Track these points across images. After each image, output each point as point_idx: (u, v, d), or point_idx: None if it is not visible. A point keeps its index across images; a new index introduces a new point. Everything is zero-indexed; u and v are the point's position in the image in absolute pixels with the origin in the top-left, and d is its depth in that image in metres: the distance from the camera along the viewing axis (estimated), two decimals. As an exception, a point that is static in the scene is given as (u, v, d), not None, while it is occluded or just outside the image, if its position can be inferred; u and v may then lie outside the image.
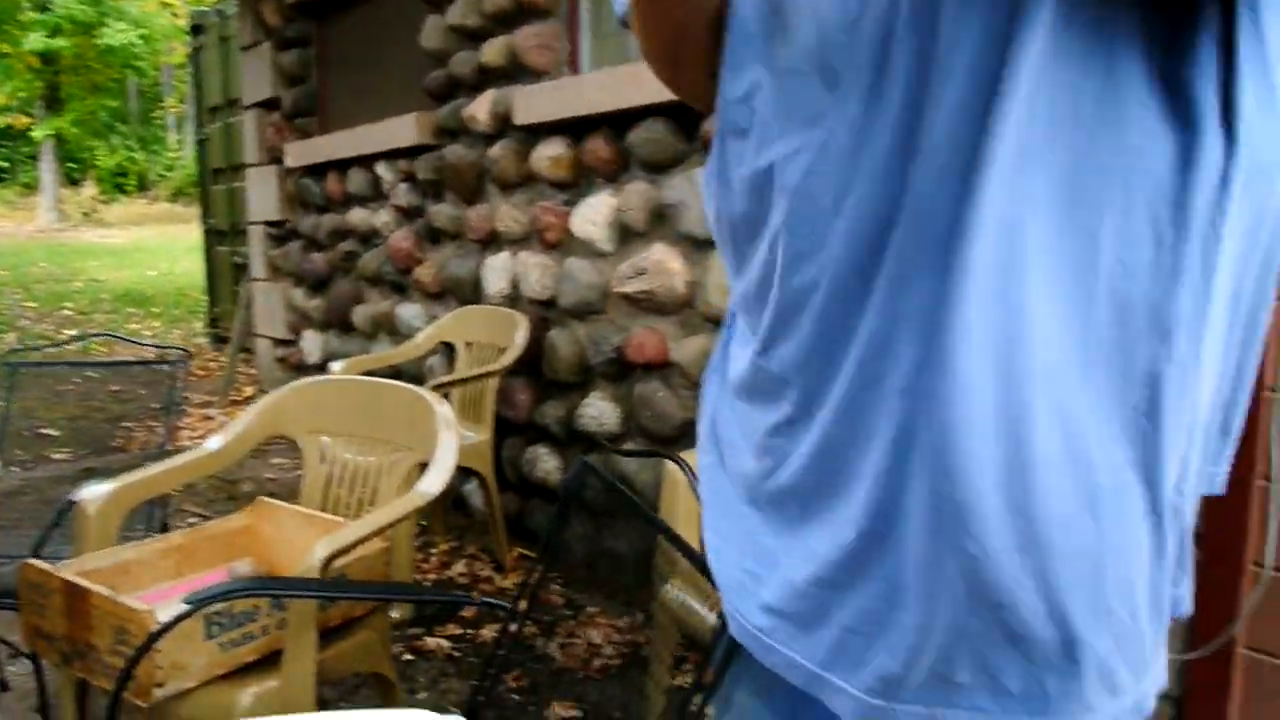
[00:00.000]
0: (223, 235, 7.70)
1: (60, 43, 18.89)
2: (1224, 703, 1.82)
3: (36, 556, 1.66)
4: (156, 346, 2.88)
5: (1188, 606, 0.79)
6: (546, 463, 3.35)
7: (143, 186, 25.08)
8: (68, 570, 1.59)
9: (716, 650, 1.08)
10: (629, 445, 3.01)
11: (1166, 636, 0.75)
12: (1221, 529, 1.81)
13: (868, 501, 0.70)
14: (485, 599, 1.29)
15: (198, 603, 1.35)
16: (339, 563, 1.64)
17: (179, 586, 1.81)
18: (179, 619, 1.38)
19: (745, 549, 0.83)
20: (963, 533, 0.66)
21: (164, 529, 2.26)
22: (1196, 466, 0.74)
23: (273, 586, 1.53)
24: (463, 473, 3.61)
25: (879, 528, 0.70)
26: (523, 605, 1.54)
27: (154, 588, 1.80)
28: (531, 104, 3.28)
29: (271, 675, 1.57)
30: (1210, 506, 1.82)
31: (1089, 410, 0.65)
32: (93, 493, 1.80)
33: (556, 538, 1.39)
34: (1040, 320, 0.63)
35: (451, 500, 3.94)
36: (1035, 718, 0.70)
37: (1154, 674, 0.74)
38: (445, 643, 2.73)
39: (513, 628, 1.53)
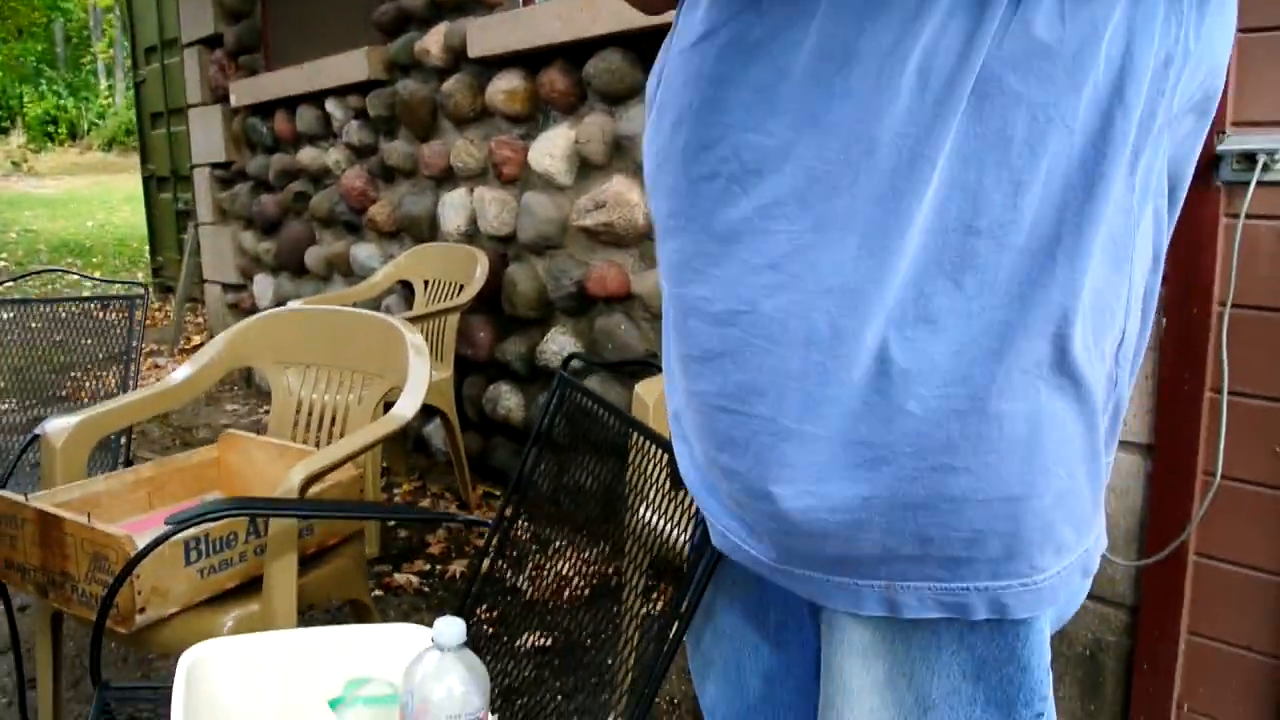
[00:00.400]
0: (163, 181, 7.52)
1: (-20, -17, 18.17)
2: (1177, 607, 1.89)
3: (3, 490, 1.64)
4: (110, 282, 2.82)
5: (1108, 475, 0.83)
6: (508, 400, 3.35)
7: (74, 135, 24.28)
8: (39, 501, 1.57)
9: (699, 564, 1.10)
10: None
11: (1103, 499, 0.77)
12: (1174, 440, 1.87)
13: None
14: (468, 517, 1.30)
15: (179, 523, 1.34)
16: (314, 489, 1.64)
17: (150, 519, 1.80)
18: (160, 541, 1.37)
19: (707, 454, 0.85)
20: (906, 395, 0.69)
21: (129, 464, 2.23)
22: (1136, 334, 0.77)
23: (253, 506, 1.53)
24: (424, 412, 3.60)
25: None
26: (495, 542, 1.56)
27: (125, 520, 1.78)
28: (486, 36, 3.23)
29: (252, 601, 1.57)
30: (1163, 419, 1.89)
31: (1028, 281, 0.67)
32: (58, 425, 1.77)
33: (544, 434, 1.39)
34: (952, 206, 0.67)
35: (413, 441, 3.93)
36: (985, 580, 0.72)
37: (1095, 532, 0.77)
38: (414, 578, 2.75)
39: (488, 558, 1.55)
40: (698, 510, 1.12)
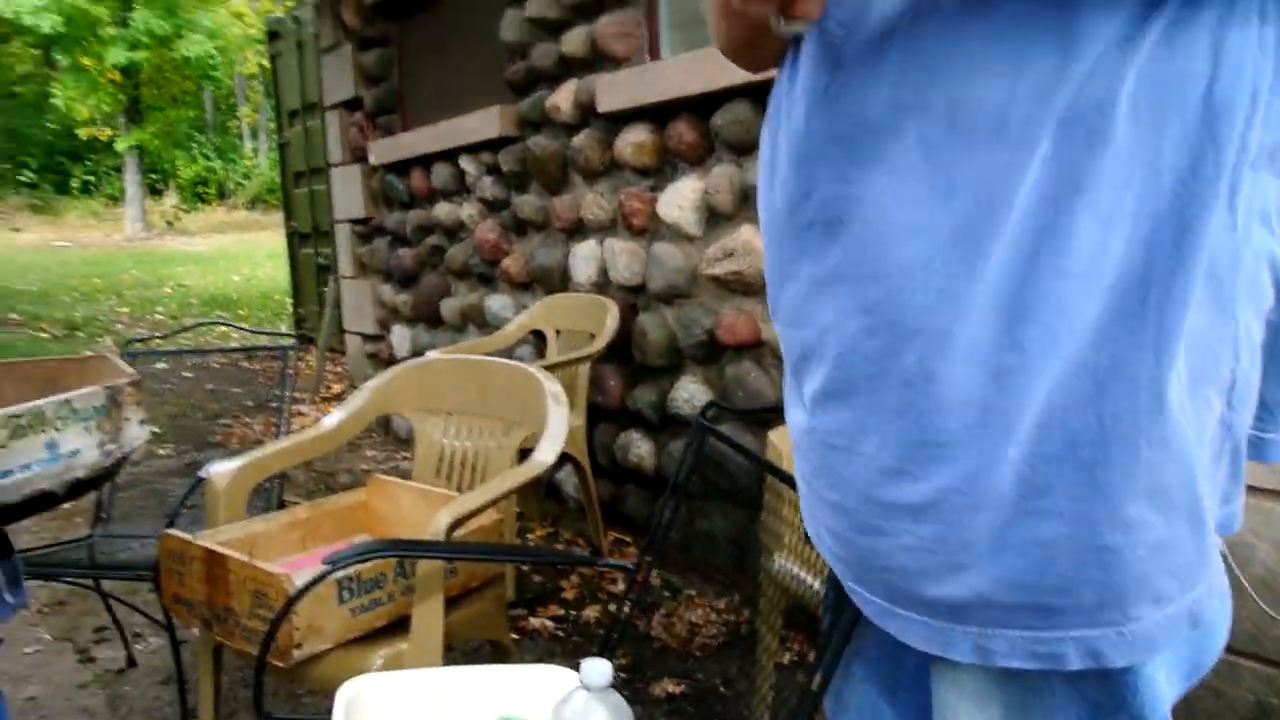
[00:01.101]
0: (305, 237, 7.88)
1: (140, 56, 19.37)
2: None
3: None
4: (269, 333, 2.97)
5: (1237, 525, 0.80)
6: (640, 447, 3.39)
7: (221, 195, 25.71)
8: (205, 540, 1.66)
9: (839, 615, 1.10)
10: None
11: (1215, 550, 0.75)
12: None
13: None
14: (609, 561, 1.33)
15: (336, 563, 1.40)
16: (458, 533, 1.69)
17: (304, 559, 1.88)
18: (318, 580, 1.44)
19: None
20: (1006, 441, 0.69)
21: (281, 507, 2.33)
22: (1254, 383, 0.75)
23: (406, 548, 1.59)
24: (558, 459, 3.67)
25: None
26: (638, 581, 1.57)
27: (281, 559, 1.86)
28: (614, 92, 3.32)
29: (398, 640, 1.62)
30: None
31: (1117, 323, 0.67)
32: (221, 469, 1.87)
33: (684, 482, 1.41)
34: (1080, 230, 0.66)
35: (545, 487, 4.00)
36: (1080, 629, 0.70)
37: (1206, 582, 0.74)
38: (549, 623, 2.78)
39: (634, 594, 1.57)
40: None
